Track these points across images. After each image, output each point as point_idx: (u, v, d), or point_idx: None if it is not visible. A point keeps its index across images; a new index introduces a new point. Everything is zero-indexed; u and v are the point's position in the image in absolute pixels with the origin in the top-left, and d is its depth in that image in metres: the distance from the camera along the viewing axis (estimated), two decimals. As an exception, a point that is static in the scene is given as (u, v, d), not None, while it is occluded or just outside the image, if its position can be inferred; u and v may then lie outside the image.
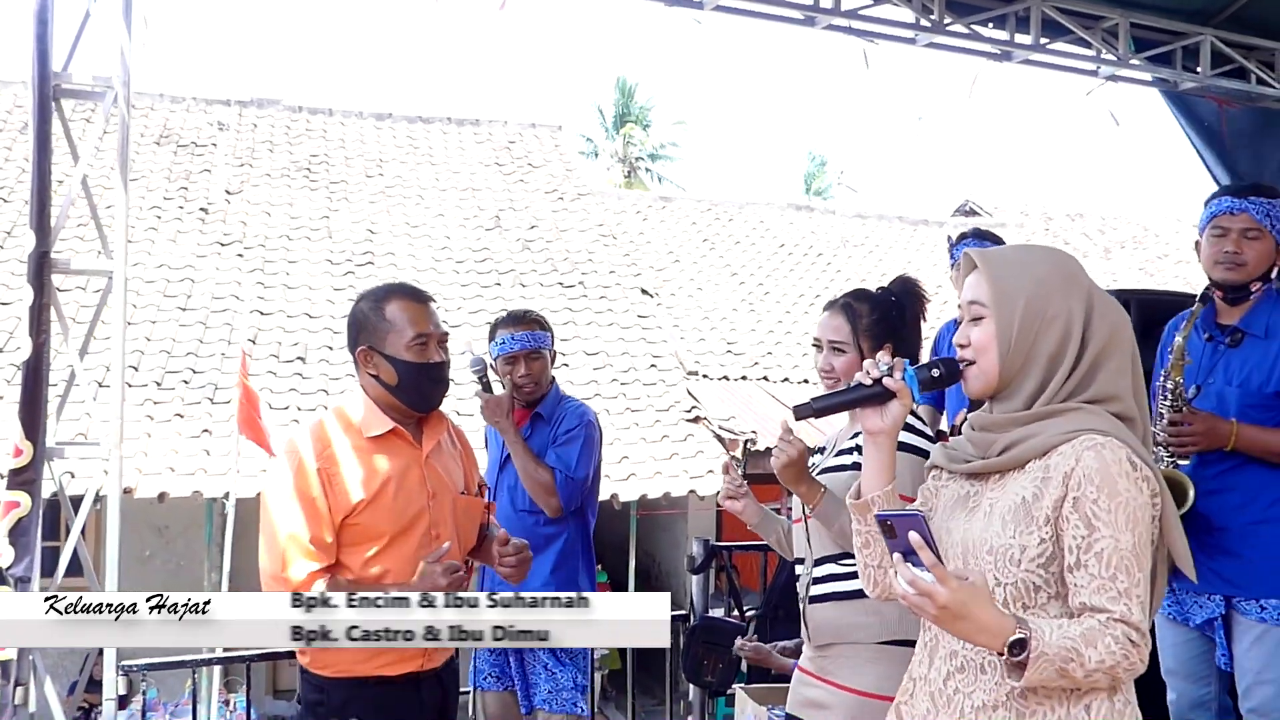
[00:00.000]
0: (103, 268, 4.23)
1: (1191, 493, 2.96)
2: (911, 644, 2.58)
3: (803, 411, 1.99)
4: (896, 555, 1.69)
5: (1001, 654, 1.66)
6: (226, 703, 8.60)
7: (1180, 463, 3.02)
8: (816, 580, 2.66)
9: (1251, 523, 2.96)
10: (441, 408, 2.84)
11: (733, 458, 2.74)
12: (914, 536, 1.65)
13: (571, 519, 3.77)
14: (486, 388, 3.72)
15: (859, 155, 74.08)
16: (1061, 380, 1.82)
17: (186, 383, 9.24)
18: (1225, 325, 3.09)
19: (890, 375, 1.89)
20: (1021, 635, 1.63)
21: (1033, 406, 1.84)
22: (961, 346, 1.91)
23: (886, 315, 2.70)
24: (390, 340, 2.65)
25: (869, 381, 1.90)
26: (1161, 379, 3.10)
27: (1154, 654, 3.25)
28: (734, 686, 4.17)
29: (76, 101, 4.48)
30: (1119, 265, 15.79)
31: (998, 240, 4.18)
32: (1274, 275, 3.07)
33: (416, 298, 2.74)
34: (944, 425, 4.52)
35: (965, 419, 3.89)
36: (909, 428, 2.56)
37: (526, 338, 3.75)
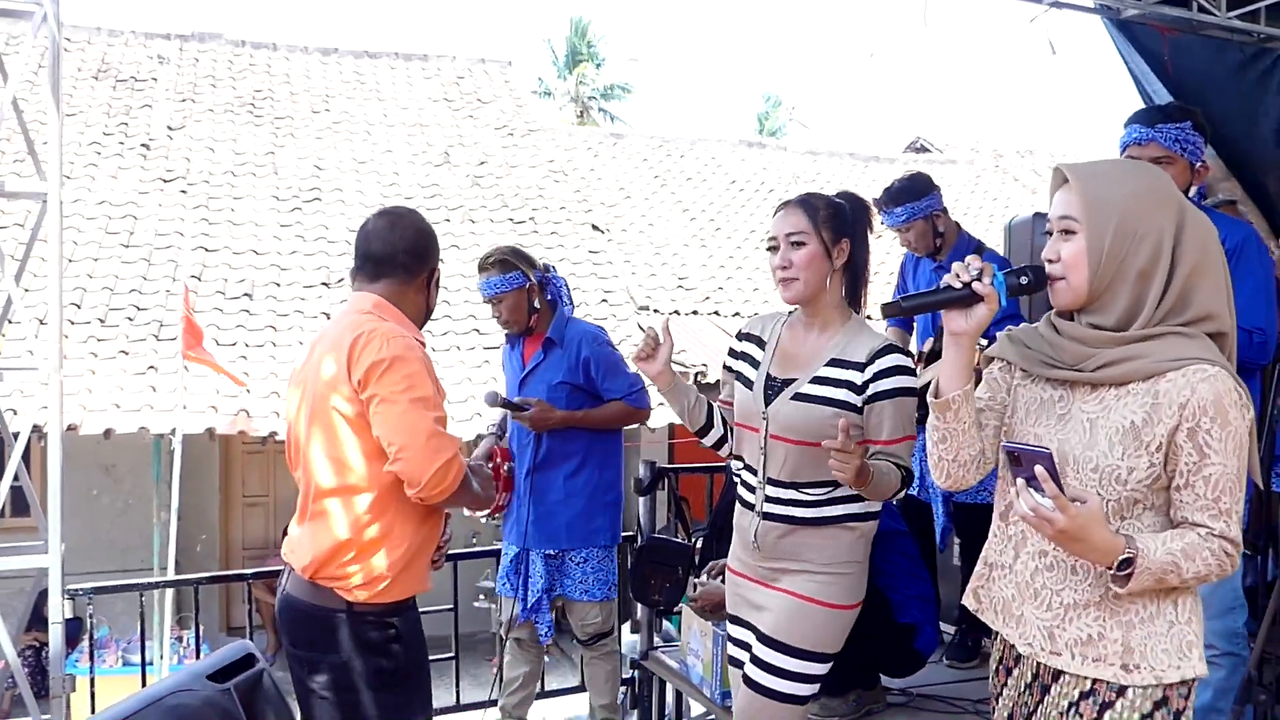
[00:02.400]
0: (35, 189, 4.14)
1: None
2: (854, 560, 2.65)
3: (890, 310, 2.02)
4: (1020, 481, 1.78)
5: (1110, 568, 1.79)
6: (179, 638, 8.59)
7: None
8: (770, 499, 2.67)
9: None
10: None
11: (649, 328, 2.70)
12: (1040, 470, 1.73)
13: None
14: (515, 408, 3.94)
15: (811, 92, 73.81)
16: (1156, 300, 1.86)
17: (130, 320, 9.11)
18: None
19: (980, 280, 1.90)
20: (1130, 554, 1.77)
21: (1129, 327, 1.87)
22: (1051, 261, 1.93)
23: (841, 210, 2.69)
24: (439, 271, 2.87)
25: (959, 285, 1.91)
26: None
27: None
28: (681, 604, 4.24)
29: (9, 23, 4.36)
30: (1067, 201, 15.89)
31: (918, 194, 4.08)
32: (1192, 193, 3.14)
33: None
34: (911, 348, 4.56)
35: (933, 346, 3.95)
36: (905, 369, 2.58)
37: (485, 285, 3.99)
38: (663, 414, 9.27)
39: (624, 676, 4.78)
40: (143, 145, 11.54)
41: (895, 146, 18.40)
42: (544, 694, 4.86)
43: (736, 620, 2.79)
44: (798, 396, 2.62)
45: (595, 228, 12.12)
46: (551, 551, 3.99)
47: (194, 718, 2.83)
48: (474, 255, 10.84)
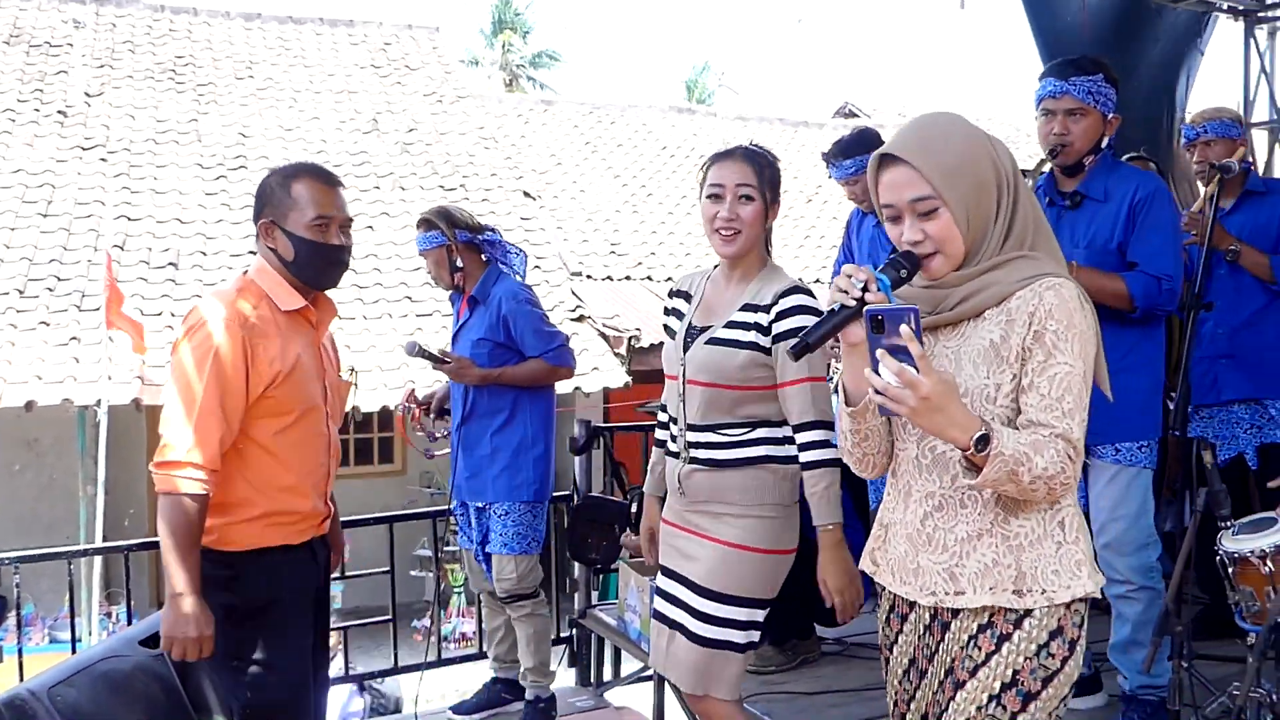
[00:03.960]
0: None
1: None
2: (781, 504, 2.69)
3: (800, 350, 1.90)
4: (880, 350, 1.73)
5: (966, 449, 1.75)
6: (109, 614, 8.47)
7: None
8: (691, 444, 2.71)
9: (1111, 372, 3.11)
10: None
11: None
12: (905, 330, 1.70)
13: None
14: (433, 359, 3.93)
15: (740, 58, 73.85)
16: (1000, 227, 1.89)
17: (51, 290, 8.91)
18: (1064, 192, 3.25)
19: (868, 290, 1.84)
20: (986, 432, 1.74)
21: (979, 261, 1.89)
22: (917, 242, 1.89)
23: (778, 171, 2.74)
24: (292, 217, 2.70)
25: (852, 302, 1.84)
26: None
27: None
28: (618, 562, 4.28)
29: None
30: (992, 165, 16.12)
31: (869, 147, 4.03)
32: (1105, 144, 3.22)
33: (325, 180, 2.76)
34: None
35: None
36: (806, 309, 2.62)
37: (417, 241, 4.13)
38: (597, 378, 9.30)
39: (563, 635, 4.81)
40: (59, 112, 11.23)
41: (824, 111, 18.51)
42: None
43: (668, 572, 2.82)
44: (711, 341, 2.68)
45: (527, 194, 12.06)
46: (479, 504, 4.02)
47: (126, 683, 2.80)
48: (404, 223, 10.76)
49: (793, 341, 1.90)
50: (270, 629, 2.73)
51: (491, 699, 4.29)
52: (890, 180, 1.90)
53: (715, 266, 2.84)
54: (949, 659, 1.95)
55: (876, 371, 1.73)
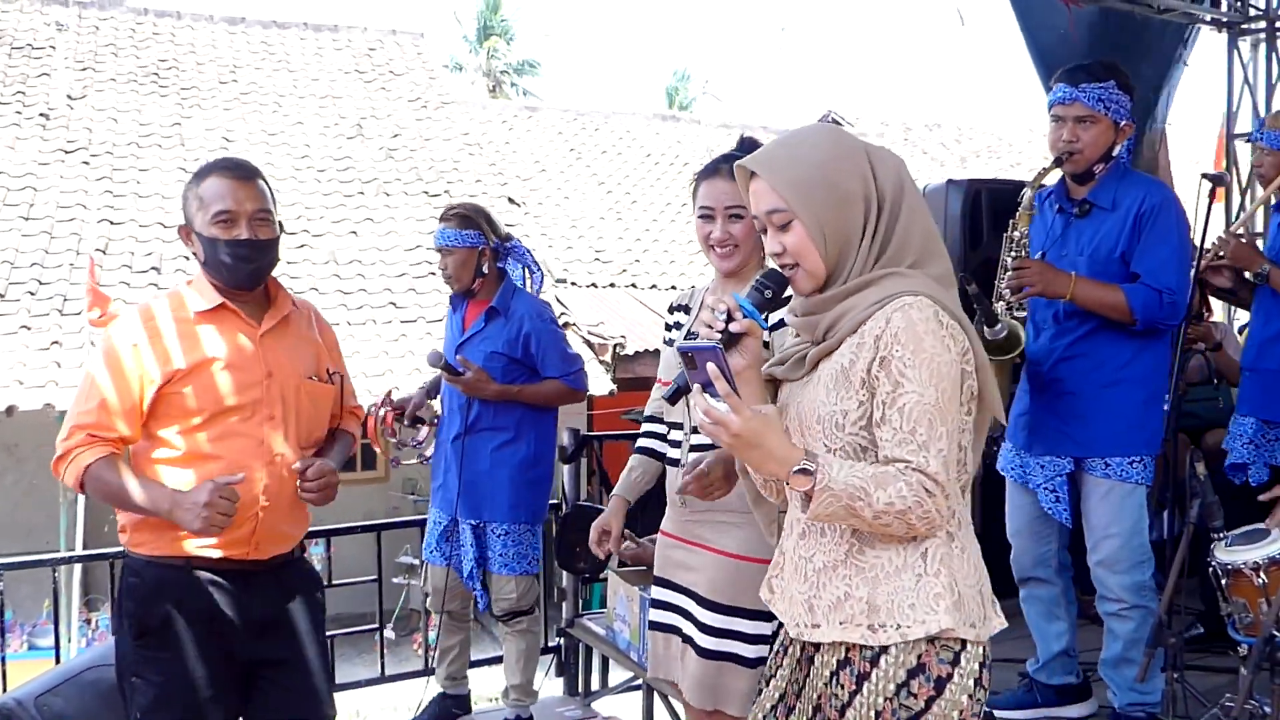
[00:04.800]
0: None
1: (1023, 338, 3.15)
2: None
3: (673, 397, 1.91)
4: (695, 386, 1.73)
5: (788, 482, 1.72)
6: (88, 621, 8.39)
7: (1019, 314, 3.17)
8: (695, 447, 2.67)
9: (1103, 385, 3.12)
10: (290, 290, 2.81)
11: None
12: (711, 368, 1.70)
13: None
14: (451, 371, 3.82)
15: (724, 66, 74.05)
16: (870, 245, 1.82)
17: (33, 294, 8.82)
18: (1074, 199, 3.22)
19: (731, 320, 1.83)
20: (807, 465, 1.69)
21: (847, 278, 1.83)
22: (777, 255, 1.87)
23: None
24: (199, 218, 2.59)
25: (716, 335, 1.82)
26: (1009, 228, 3.22)
27: (1003, 516, 3.44)
28: (606, 571, 4.25)
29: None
30: (974, 173, 16.20)
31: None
32: (1117, 151, 3.18)
33: (234, 174, 2.62)
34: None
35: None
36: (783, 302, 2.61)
37: (440, 234, 3.91)
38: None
39: (551, 644, 4.77)
40: (41, 115, 11.16)
41: (808, 119, 18.53)
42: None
43: (666, 583, 2.80)
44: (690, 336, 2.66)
45: (511, 201, 12.03)
46: (474, 522, 3.93)
47: (111, 692, 2.76)
48: (388, 229, 10.73)
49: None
50: (168, 650, 2.56)
51: (443, 713, 4.17)
52: (751, 192, 1.89)
53: (715, 279, 2.83)
54: (815, 695, 1.89)
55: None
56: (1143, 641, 3.05)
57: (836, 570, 1.83)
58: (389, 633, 9.00)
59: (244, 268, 2.61)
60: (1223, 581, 2.91)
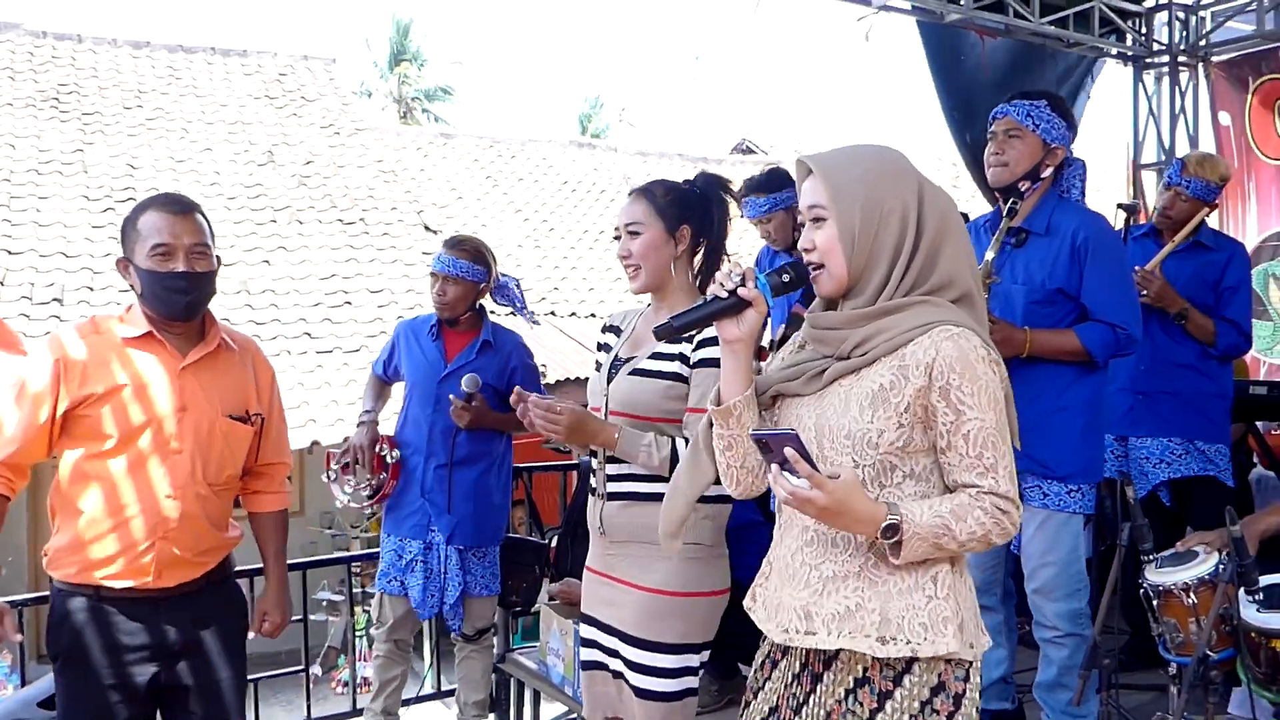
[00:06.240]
0: None
1: None
2: (702, 545, 2.64)
3: (662, 331, 1.99)
4: (774, 467, 1.77)
5: (876, 540, 1.77)
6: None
7: None
8: (611, 478, 2.67)
9: (1044, 413, 3.11)
10: (222, 324, 2.84)
11: None
12: (790, 452, 1.73)
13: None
14: (468, 400, 3.95)
15: (638, 93, 74.48)
16: (903, 270, 1.87)
17: (-73, 327, 8.48)
18: (1012, 228, 3.23)
19: (744, 285, 1.89)
20: (893, 520, 1.76)
21: (878, 301, 1.88)
22: (807, 251, 1.93)
23: (684, 195, 2.71)
24: (137, 250, 2.64)
25: (724, 294, 1.90)
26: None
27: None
28: (539, 604, 4.20)
29: None
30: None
31: (780, 186, 4.20)
32: (1046, 175, 3.21)
33: (172, 208, 2.68)
34: (764, 340, 4.60)
35: (784, 333, 4.00)
36: (712, 340, 2.59)
37: (451, 262, 4.05)
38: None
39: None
40: (-65, 141, 10.77)
41: (722, 147, 18.73)
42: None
43: (592, 621, 2.76)
44: (634, 372, 2.66)
45: (428, 228, 11.92)
46: (461, 547, 4.06)
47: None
48: (302, 257, 10.53)
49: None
50: (79, 676, 2.63)
51: None
52: (804, 188, 1.95)
53: (649, 304, 2.82)
54: (822, 712, 1.91)
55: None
56: (1076, 669, 3.08)
57: (848, 581, 1.88)
58: (315, 668, 8.81)
59: (180, 300, 2.66)
60: (1154, 602, 2.95)
